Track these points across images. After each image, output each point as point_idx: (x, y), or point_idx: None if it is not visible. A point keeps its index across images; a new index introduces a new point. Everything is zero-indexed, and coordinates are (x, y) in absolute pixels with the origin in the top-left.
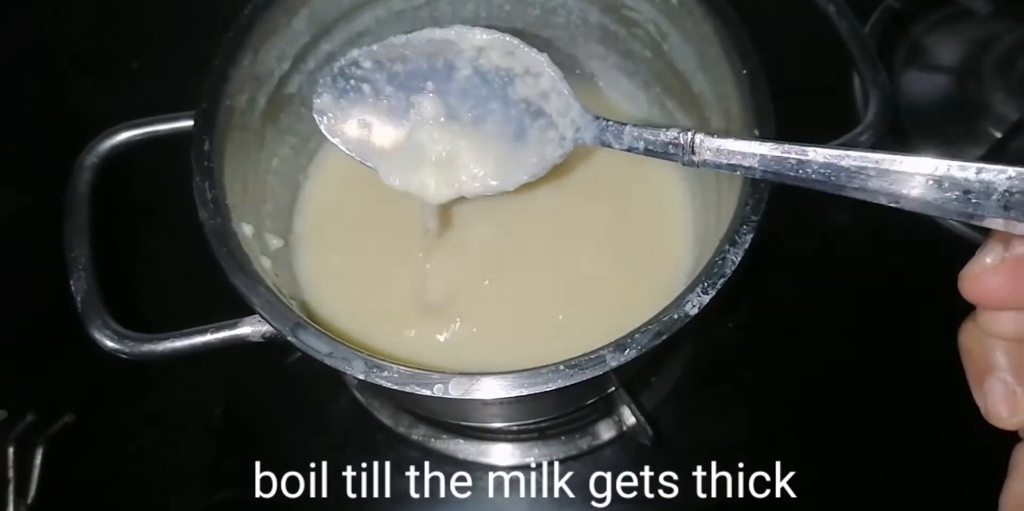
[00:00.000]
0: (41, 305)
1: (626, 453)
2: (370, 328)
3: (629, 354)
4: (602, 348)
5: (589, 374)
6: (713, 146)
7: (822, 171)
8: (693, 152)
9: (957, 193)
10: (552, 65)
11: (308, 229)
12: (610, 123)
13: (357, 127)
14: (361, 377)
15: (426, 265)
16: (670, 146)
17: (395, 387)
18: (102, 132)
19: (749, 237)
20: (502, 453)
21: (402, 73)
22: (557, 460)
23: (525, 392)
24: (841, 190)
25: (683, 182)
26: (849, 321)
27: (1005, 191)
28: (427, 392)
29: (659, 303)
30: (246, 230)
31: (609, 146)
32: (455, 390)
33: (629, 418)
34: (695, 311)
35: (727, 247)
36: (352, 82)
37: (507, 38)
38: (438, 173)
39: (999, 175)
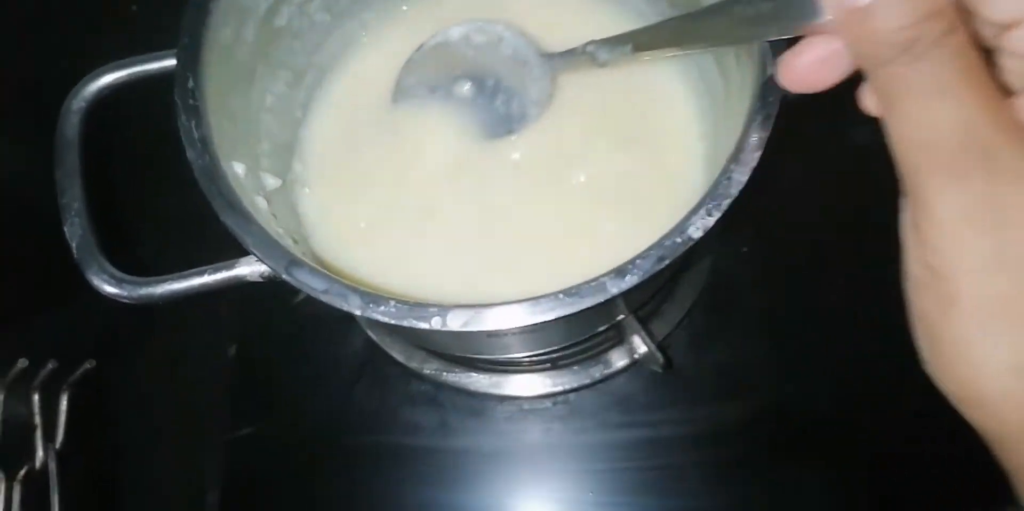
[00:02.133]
0: (48, 253)
1: (639, 380)
2: (373, 264)
3: (630, 280)
4: (603, 275)
5: (589, 302)
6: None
7: None
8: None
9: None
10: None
11: (308, 168)
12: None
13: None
14: (358, 313)
15: (433, 201)
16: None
17: (392, 322)
18: (87, 74)
19: (756, 155)
20: (515, 384)
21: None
22: (571, 389)
23: (525, 322)
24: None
25: (690, 99)
26: (868, 247)
27: None
28: (425, 325)
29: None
30: (238, 169)
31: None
32: (453, 322)
33: (640, 346)
34: (699, 234)
35: (732, 166)
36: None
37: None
38: None
39: None
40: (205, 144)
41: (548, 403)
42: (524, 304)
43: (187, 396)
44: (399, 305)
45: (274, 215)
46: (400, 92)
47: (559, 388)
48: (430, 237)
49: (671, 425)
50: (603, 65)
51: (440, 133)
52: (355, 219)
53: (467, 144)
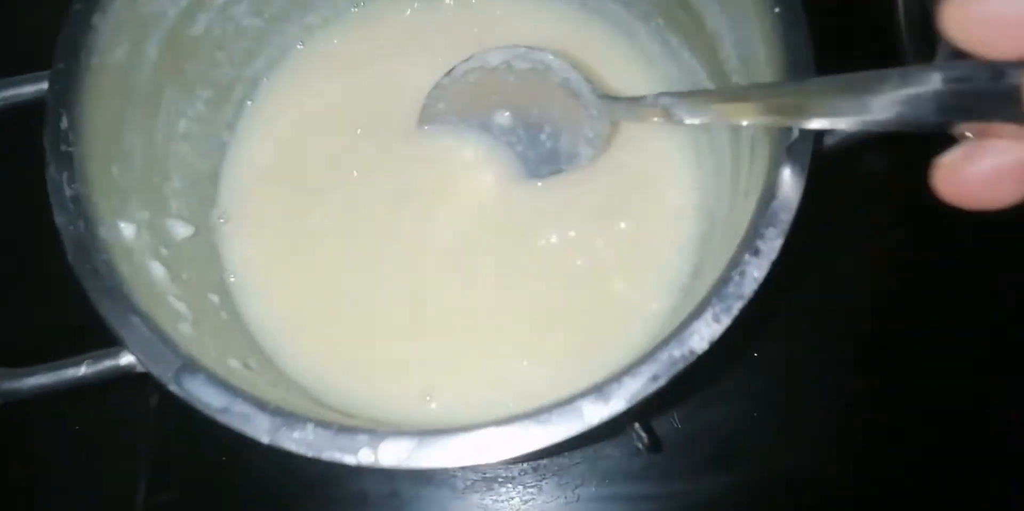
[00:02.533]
0: None
1: (621, 445)
2: (307, 339)
3: (614, 405)
4: (578, 396)
5: (561, 432)
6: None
7: None
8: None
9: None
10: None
11: (239, 202)
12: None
13: None
14: (266, 442)
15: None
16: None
17: (310, 454)
18: None
19: (777, 243)
20: None
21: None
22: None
23: (477, 461)
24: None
25: (685, 151)
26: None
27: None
28: (351, 460)
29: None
30: (126, 232)
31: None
32: (387, 456)
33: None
34: (703, 346)
35: (746, 256)
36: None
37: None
38: None
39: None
40: (79, 204)
41: (515, 470)
42: (482, 432)
43: (98, 450)
44: (319, 430)
45: (177, 279)
46: (426, 119)
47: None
48: (392, 316)
49: (659, 501)
50: (678, 123)
51: (452, 171)
52: (294, 275)
53: (483, 186)
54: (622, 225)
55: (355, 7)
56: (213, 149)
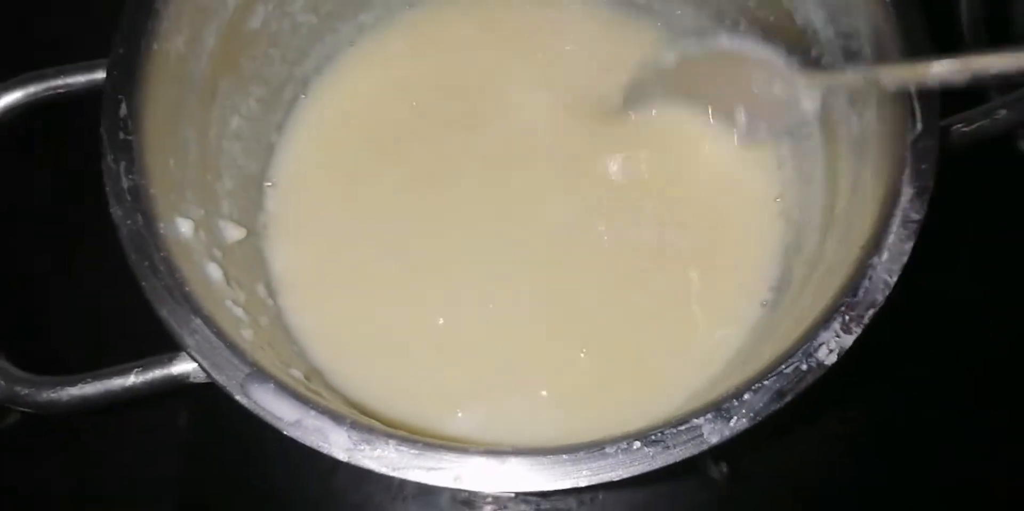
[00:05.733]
0: None
1: (688, 478)
2: (350, 348)
3: (736, 425)
4: (695, 413)
5: (677, 455)
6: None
7: None
8: None
9: None
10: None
11: (284, 208)
12: None
13: None
14: (343, 459)
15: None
16: None
17: (393, 474)
18: None
19: (908, 245)
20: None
21: None
22: (601, 484)
23: (582, 482)
24: None
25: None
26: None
27: None
28: (439, 482)
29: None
30: (183, 228)
31: None
32: (477, 479)
33: None
34: (832, 358)
35: (873, 260)
36: None
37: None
38: None
39: None
40: (138, 197)
41: (572, 502)
42: (577, 455)
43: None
44: (402, 448)
45: (233, 283)
46: (631, 102)
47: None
48: (449, 325)
49: None
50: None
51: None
52: (337, 285)
53: (540, 199)
54: (696, 239)
55: (408, 7)
56: (262, 150)
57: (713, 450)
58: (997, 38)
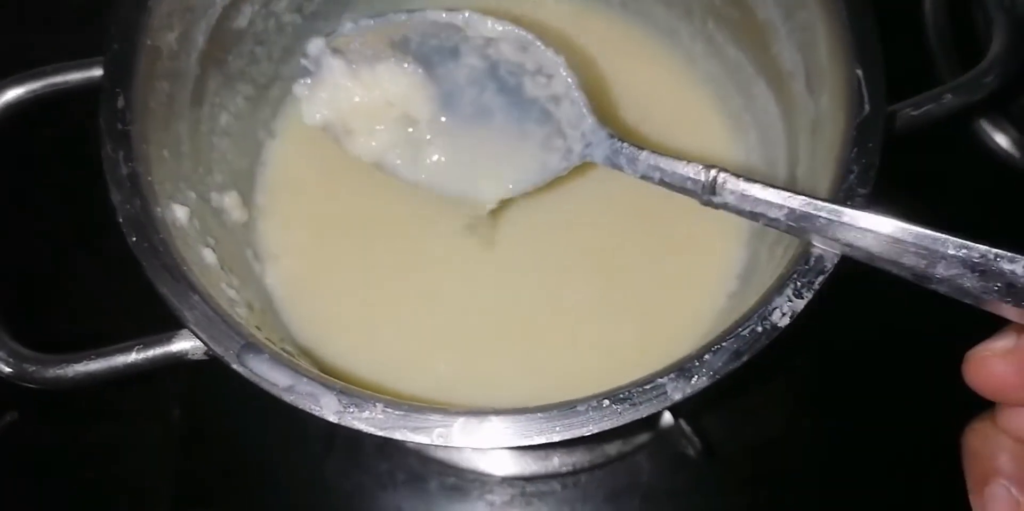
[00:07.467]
0: None
1: (663, 459)
2: (340, 334)
3: (697, 383)
4: (659, 374)
5: (644, 411)
6: (737, 190)
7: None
8: (714, 192)
9: (970, 275)
10: (568, 69)
11: (272, 204)
12: (624, 145)
13: (343, 114)
14: (334, 420)
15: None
16: (688, 182)
17: (380, 433)
18: None
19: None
20: (516, 461)
21: (398, 56)
22: (582, 468)
23: (555, 438)
24: (872, 261)
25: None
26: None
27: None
28: (424, 439)
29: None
30: (179, 213)
31: (620, 169)
32: (460, 436)
33: (667, 417)
34: (785, 321)
35: None
36: (341, 62)
37: (521, 31)
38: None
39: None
40: (136, 183)
41: (555, 485)
42: (552, 413)
43: (122, 465)
44: (388, 410)
45: (227, 268)
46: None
47: (567, 468)
48: (434, 310)
49: None
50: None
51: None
52: (334, 276)
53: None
54: (668, 218)
55: (392, 10)
56: (251, 148)
57: (676, 407)
58: (961, 43)
